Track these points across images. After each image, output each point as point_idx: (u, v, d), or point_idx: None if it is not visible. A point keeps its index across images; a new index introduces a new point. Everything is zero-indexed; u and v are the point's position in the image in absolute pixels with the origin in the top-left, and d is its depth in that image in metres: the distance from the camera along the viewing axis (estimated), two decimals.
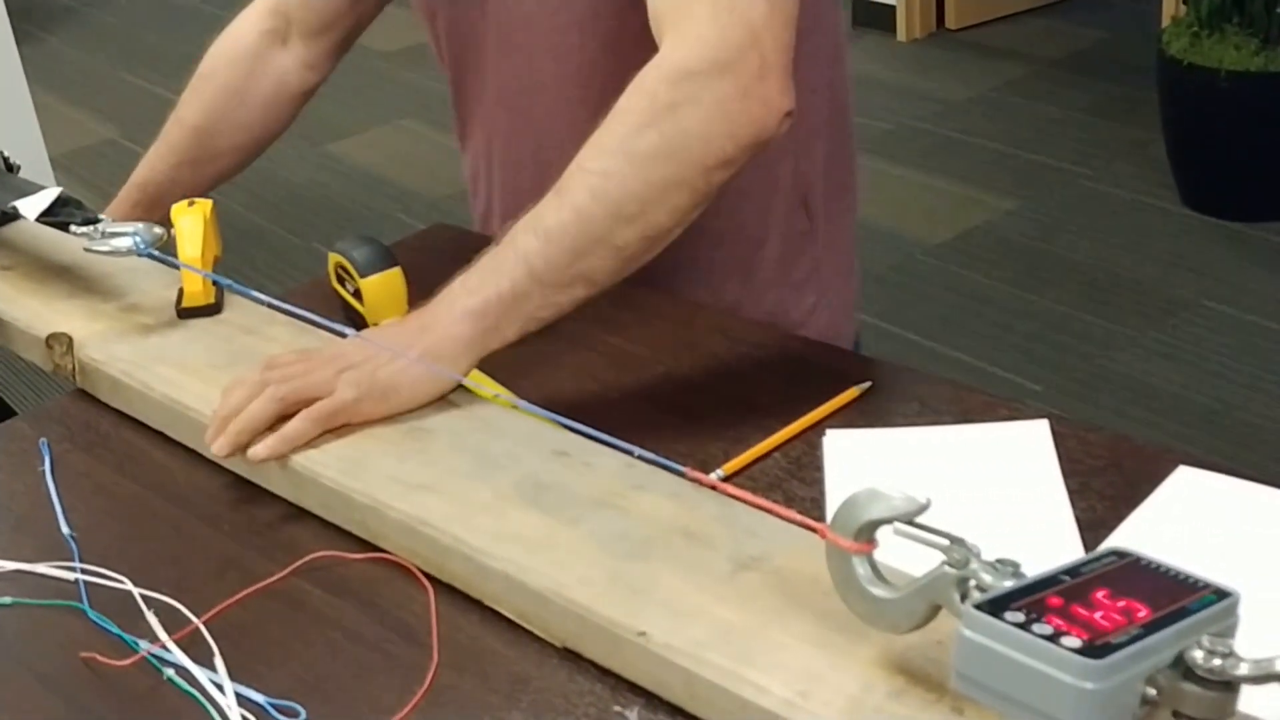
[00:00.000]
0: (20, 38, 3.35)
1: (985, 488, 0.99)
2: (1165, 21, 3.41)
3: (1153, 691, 0.70)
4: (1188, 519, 0.94)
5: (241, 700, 0.88)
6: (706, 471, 1.00)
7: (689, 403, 1.13)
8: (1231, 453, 2.47)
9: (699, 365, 1.17)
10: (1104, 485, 0.99)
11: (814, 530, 0.83)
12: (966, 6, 4.40)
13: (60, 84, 4.74)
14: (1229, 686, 0.69)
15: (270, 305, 1.15)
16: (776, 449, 1.06)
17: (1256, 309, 2.89)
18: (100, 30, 5.43)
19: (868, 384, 1.11)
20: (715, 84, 1.04)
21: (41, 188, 1.26)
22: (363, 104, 4.22)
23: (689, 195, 1.05)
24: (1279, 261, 3.05)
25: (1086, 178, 3.48)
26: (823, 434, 1.07)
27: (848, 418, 1.09)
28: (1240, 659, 0.69)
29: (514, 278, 1.06)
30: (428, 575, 0.96)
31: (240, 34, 1.47)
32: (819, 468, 1.04)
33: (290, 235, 3.58)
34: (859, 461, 1.03)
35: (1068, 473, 1.00)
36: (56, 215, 1.23)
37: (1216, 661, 0.69)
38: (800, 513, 0.87)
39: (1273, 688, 0.77)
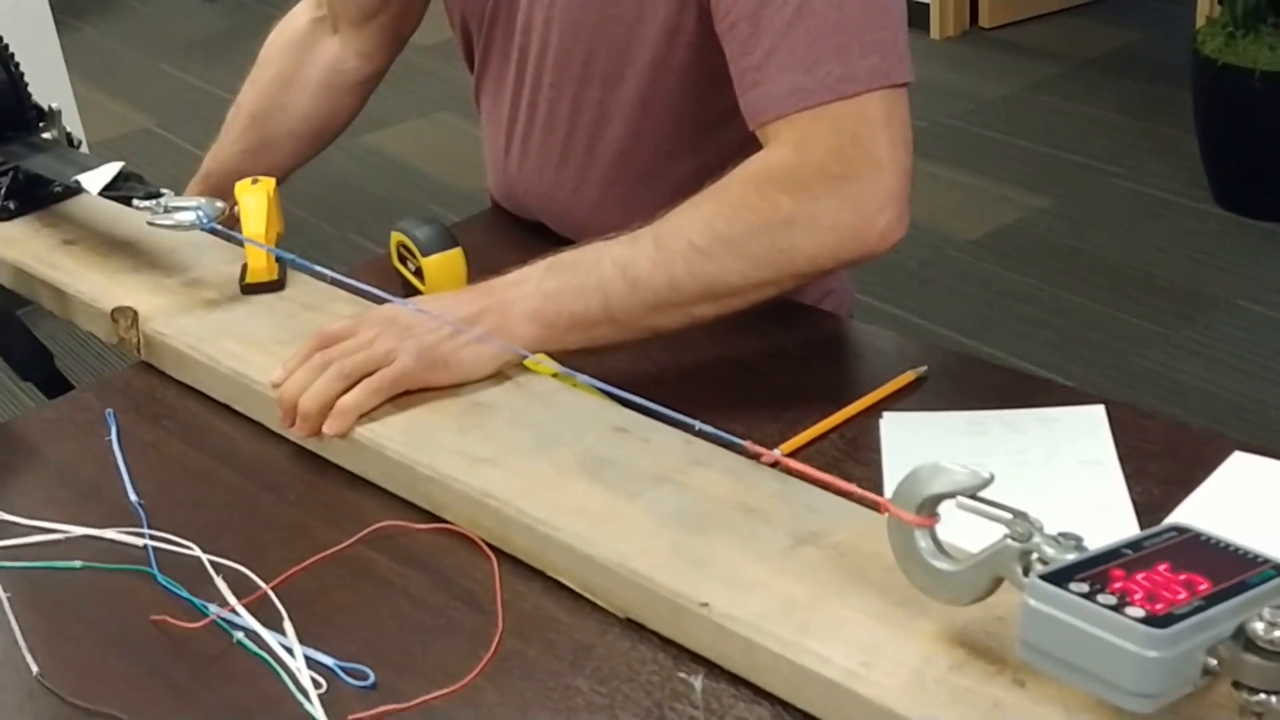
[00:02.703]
0: (58, 27, 3.38)
1: (1042, 469, 1.00)
2: (1200, 22, 3.41)
3: (1214, 662, 0.72)
4: (1244, 503, 0.96)
5: (311, 663, 0.90)
6: (757, 455, 1.01)
7: (745, 384, 1.15)
8: (1264, 451, 2.47)
9: (754, 348, 1.18)
10: (1160, 470, 1.00)
11: (876, 505, 0.85)
12: (1000, 5, 4.41)
13: (96, 73, 4.76)
14: None
15: (335, 281, 1.16)
16: (833, 430, 1.07)
17: None
18: (136, 20, 5.46)
19: (924, 368, 1.13)
20: (837, 210, 1.07)
21: (102, 162, 1.29)
22: (398, 96, 4.24)
23: (775, 291, 1.10)
24: None
25: (1119, 176, 3.49)
26: (879, 416, 1.08)
27: (903, 401, 1.11)
28: None
29: (589, 306, 1.09)
30: (490, 546, 0.98)
31: (293, 21, 1.49)
32: (875, 449, 1.05)
33: (326, 225, 3.60)
34: (916, 443, 1.04)
35: (1124, 457, 1.02)
36: (118, 190, 1.25)
37: (1278, 633, 0.70)
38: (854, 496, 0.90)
39: None
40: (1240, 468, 0.99)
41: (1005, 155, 3.63)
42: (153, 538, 1.01)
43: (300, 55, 1.47)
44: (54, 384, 1.43)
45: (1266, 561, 0.76)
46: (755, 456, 0.97)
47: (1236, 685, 0.72)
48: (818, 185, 1.07)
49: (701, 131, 1.25)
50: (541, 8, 1.25)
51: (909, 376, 1.12)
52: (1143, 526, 0.95)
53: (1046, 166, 3.58)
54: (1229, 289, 3.00)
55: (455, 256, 1.23)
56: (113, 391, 1.20)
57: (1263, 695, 0.71)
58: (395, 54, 1.49)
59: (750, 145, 1.17)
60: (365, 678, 0.89)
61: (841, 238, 1.08)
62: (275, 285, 1.24)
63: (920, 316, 2.97)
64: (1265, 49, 3.03)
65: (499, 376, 1.10)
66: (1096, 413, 1.06)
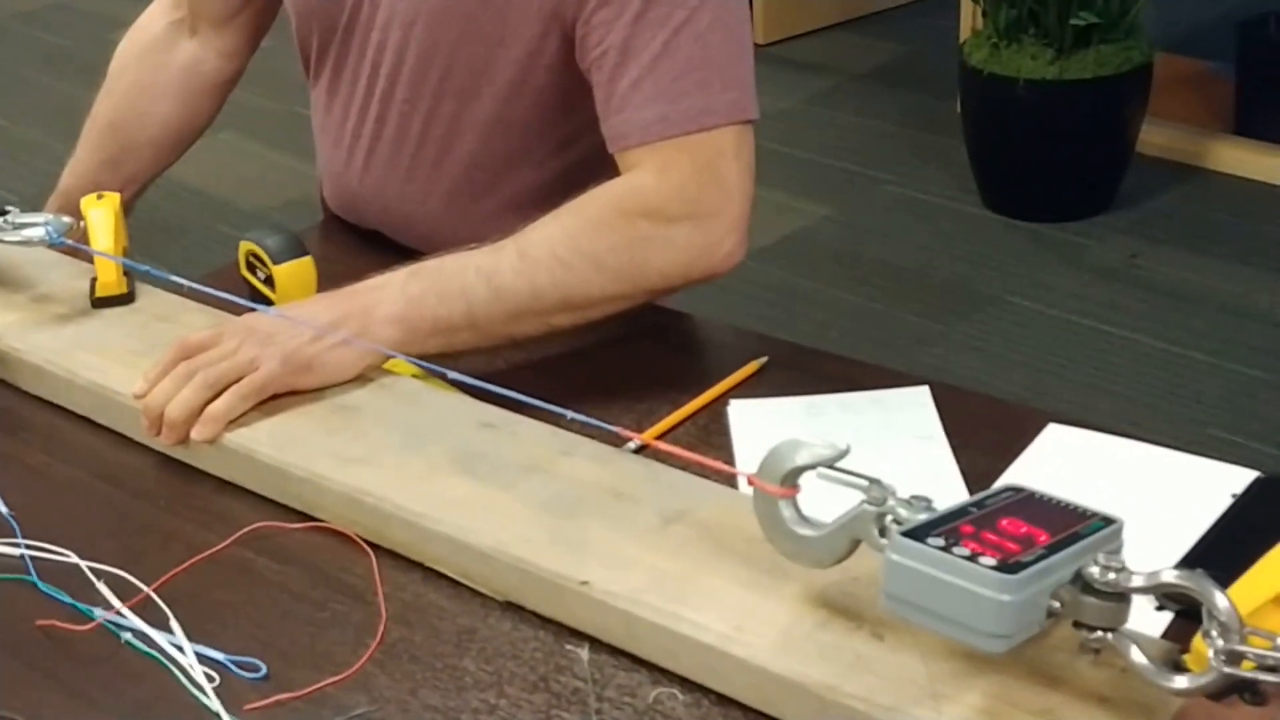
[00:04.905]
0: None
1: (877, 446, 1.09)
2: (964, 35, 3.60)
3: (1057, 604, 0.80)
4: (1061, 469, 1.06)
5: (201, 658, 0.92)
6: (622, 442, 1.08)
7: (597, 380, 1.20)
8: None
9: (602, 344, 1.24)
10: (983, 442, 1.10)
11: (737, 480, 0.92)
12: (773, 22, 4.55)
13: None
14: (1122, 597, 0.80)
15: (192, 290, 1.19)
16: (686, 419, 1.14)
17: (1057, 303, 3.08)
18: None
19: (764, 359, 1.21)
20: (690, 234, 1.16)
21: None
22: None
23: (627, 304, 1.18)
24: (1076, 258, 3.25)
25: (894, 184, 3.65)
26: (726, 404, 1.15)
27: (747, 390, 1.18)
28: (1132, 572, 0.79)
29: (453, 311, 1.14)
30: (367, 541, 1.02)
31: (147, 27, 1.49)
32: (725, 434, 1.13)
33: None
34: (762, 428, 1.12)
35: (949, 431, 1.11)
36: None
37: (1111, 575, 0.79)
38: (712, 477, 0.97)
39: (1147, 609, 0.88)
40: (1055, 438, 1.09)
41: (787, 167, 3.76)
42: (28, 547, 1.02)
43: (157, 60, 1.48)
44: None
45: (1094, 515, 0.85)
46: (624, 442, 1.03)
47: (1077, 625, 0.81)
48: (675, 209, 1.15)
49: (549, 149, 1.31)
50: (399, 23, 1.29)
51: (753, 367, 1.20)
52: (972, 493, 1.04)
53: (826, 176, 3.72)
54: (1001, 286, 3.18)
55: (306, 264, 1.26)
56: None
57: (1100, 632, 0.80)
58: (251, 55, 1.51)
59: (592, 163, 1.25)
60: (257, 670, 0.92)
61: (692, 258, 1.16)
62: (125, 298, 1.25)
63: (720, 320, 3.07)
64: (1027, 58, 3.22)
65: (362, 379, 1.14)
66: (922, 392, 1.15)
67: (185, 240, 3.58)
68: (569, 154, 1.31)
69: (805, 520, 0.90)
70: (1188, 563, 0.96)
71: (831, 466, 0.88)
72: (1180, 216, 3.39)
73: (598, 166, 1.22)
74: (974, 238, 3.39)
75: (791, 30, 4.59)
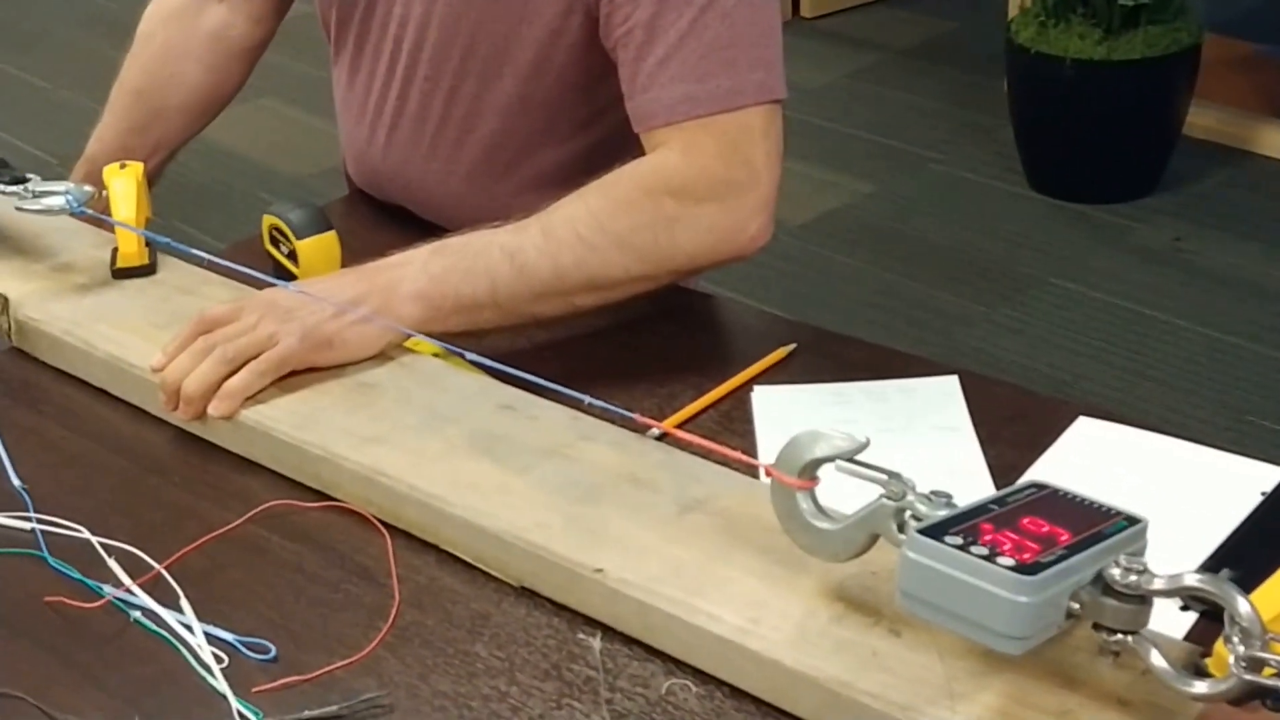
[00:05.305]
0: None
1: (903, 436, 1.07)
2: (1012, 12, 3.55)
3: (1076, 606, 0.78)
4: (1089, 464, 1.03)
5: (211, 639, 0.92)
6: (645, 427, 1.06)
7: (621, 361, 1.19)
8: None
9: (627, 326, 1.22)
10: (1011, 434, 1.08)
11: (758, 471, 0.90)
12: None
13: None
14: (1143, 600, 0.78)
15: (212, 264, 1.18)
16: (710, 404, 1.13)
17: (1100, 286, 3.04)
18: None
19: (793, 345, 1.19)
20: (716, 214, 1.14)
21: None
22: None
23: (651, 285, 1.17)
24: (1120, 240, 3.21)
25: (938, 162, 3.61)
26: (750, 390, 1.14)
27: (772, 375, 1.16)
28: (1154, 574, 0.77)
29: (476, 289, 1.12)
30: (382, 522, 1.01)
31: None
32: (749, 420, 1.11)
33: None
34: (786, 415, 1.10)
35: (977, 422, 1.09)
36: None
37: (1133, 578, 0.77)
38: (733, 465, 0.95)
39: (1171, 609, 0.86)
40: (1084, 432, 1.07)
41: (830, 142, 3.73)
42: (40, 521, 1.02)
43: (185, 24, 1.46)
44: None
45: (1119, 514, 0.82)
46: (644, 429, 1.02)
47: (1096, 627, 0.79)
48: (701, 190, 1.13)
49: (572, 129, 1.29)
50: (421, 0, 1.27)
51: (779, 354, 1.18)
52: (998, 487, 1.02)
53: (869, 152, 3.69)
54: (1044, 268, 3.14)
55: (330, 239, 1.24)
56: None
57: (1120, 635, 0.78)
58: (280, 20, 1.49)
59: (615, 142, 1.23)
60: (266, 651, 0.91)
61: (718, 239, 1.15)
62: (146, 270, 1.25)
63: (754, 298, 3.05)
64: (1075, 38, 3.17)
65: (383, 357, 1.13)
66: (951, 382, 1.13)
67: (226, 206, 3.58)
68: (591, 133, 1.29)
69: (823, 513, 0.88)
70: (1214, 562, 0.94)
71: (851, 459, 0.86)
72: (1226, 200, 3.34)
73: (620, 146, 1.20)
74: (1018, 218, 3.35)
75: (838, 4, 4.55)
